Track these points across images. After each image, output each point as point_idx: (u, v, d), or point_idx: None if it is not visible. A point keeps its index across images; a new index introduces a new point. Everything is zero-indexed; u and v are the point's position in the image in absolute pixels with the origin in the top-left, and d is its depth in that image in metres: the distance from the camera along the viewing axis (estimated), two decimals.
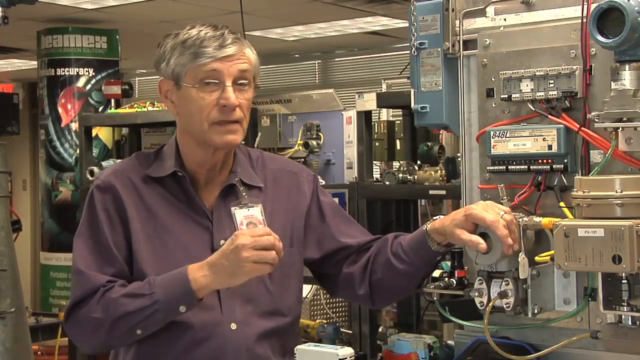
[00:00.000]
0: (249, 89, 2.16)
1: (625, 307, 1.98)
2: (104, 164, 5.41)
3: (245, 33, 4.82)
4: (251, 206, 2.15)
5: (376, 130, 4.85)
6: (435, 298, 2.28)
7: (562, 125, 2.18)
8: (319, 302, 5.52)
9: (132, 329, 2.07)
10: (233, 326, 2.10)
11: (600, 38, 2.04)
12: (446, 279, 2.30)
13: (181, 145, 2.22)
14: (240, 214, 2.13)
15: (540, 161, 2.20)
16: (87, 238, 2.17)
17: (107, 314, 2.07)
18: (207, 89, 2.11)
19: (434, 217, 2.20)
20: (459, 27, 2.38)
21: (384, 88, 5.69)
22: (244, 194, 2.19)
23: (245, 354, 2.12)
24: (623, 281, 1.97)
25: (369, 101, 4.28)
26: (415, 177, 4.18)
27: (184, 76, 2.13)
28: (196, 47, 2.11)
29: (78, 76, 7.59)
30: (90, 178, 5.13)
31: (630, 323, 2.02)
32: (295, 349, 2.26)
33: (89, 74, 7.60)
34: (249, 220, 2.13)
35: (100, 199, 2.17)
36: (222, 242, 2.12)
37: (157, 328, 2.07)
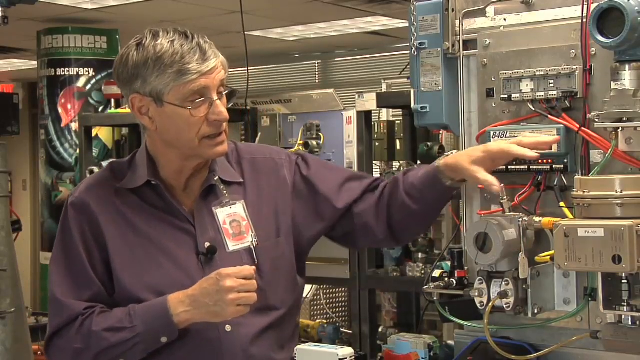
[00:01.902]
0: (224, 95, 2.11)
1: (625, 307, 1.98)
2: (104, 164, 5.40)
3: (245, 33, 4.82)
4: (233, 204, 2.13)
5: (376, 130, 4.85)
6: (435, 298, 2.28)
7: (562, 125, 2.18)
8: (319, 302, 5.52)
9: (115, 359, 2.07)
10: (228, 328, 2.08)
11: (600, 38, 2.04)
12: (446, 279, 2.30)
13: (157, 157, 2.16)
14: (222, 213, 2.12)
15: (540, 161, 2.20)
16: (62, 262, 2.15)
17: (89, 346, 2.06)
18: (195, 105, 2.05)
19: (447, 153, 2.17)
20: (459, 27, 2.38)
21: (384, 88, 5.67)
22: (225, 192, 2.15)
23: (242, 355, 2.10)
24: (623, 281, 1.97)
25: (369, 101, 4.27)
26: None
27: (167, 94, 2.05)
28: (178, 64, 2.02)
29: (78, 76, 7.59)
30: None
31: (630, 323, 2.02)
32: (295, 349, 2.26)
33: (89, 74, 7.60)
34: (232, 219, 2.12)
35: (75, 217, 2.14)
36: (206, 244, 2.10)
37: (141, 357, 2.07)
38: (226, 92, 2.10)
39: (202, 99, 2.05)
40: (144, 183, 2.14)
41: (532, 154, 2.07)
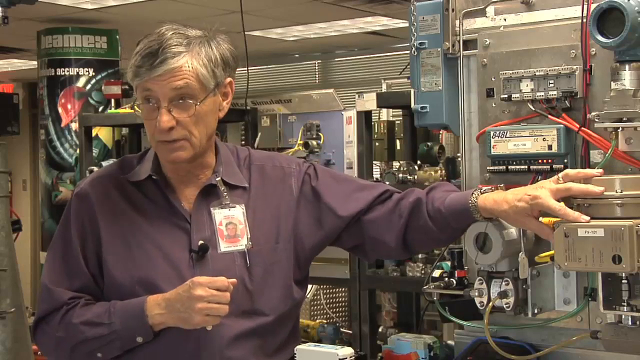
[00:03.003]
0: (193, 105, 2.05)
1: (625, 307, 1.98)
2: (104, 164, 5.41)
3: (245, 33, 4.81)
4: (232, 206, 2.14)
5: (376, 130, 4.85)
6: (435, 298, 2.28)
7: (562, 125, 2.18)
8: (319, 302, 5.52)
9: (92, 353, 2.10)
10: (208, 327, 2.06)
11: (600, 38, 2.04)
12: (446, 279, 2.30)
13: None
14: (219, 214, 2.12)
15: (540, 161, 2.20)
16: (57, 250, 2.18)
17: (68, 336, 2.09)
18: (149, 107, 2.07)
19: (483, 189, 2.09)
20: (459, 27, 2.38)
21: (384, 88, 5.69)
22: (225, 194, 2.16)
23: (219, 356, 2.09)
24: (623, 281, 1.97)
25: (369, 101, 4.28)
26: (415, 177, 4.18)
27: (135, 91, 2.10)
28: (135, 65, 2.04)
29: (78, 76, 7.58)
30: None
31: (630, 323, 2.02)
32: (295, 349, 2.26)
33: (89, 74, 7.59)
34: (229, 221, 2.12)
35: (76, 208, 2.17)
36: (200, 242, 2.11)
37: (117, 354, 2.09)
38: (181, 100, 2.04)
39: (152, 102, 2.06)
40: (147, 177, 2.16)
41: (585, 218, 1.93)
